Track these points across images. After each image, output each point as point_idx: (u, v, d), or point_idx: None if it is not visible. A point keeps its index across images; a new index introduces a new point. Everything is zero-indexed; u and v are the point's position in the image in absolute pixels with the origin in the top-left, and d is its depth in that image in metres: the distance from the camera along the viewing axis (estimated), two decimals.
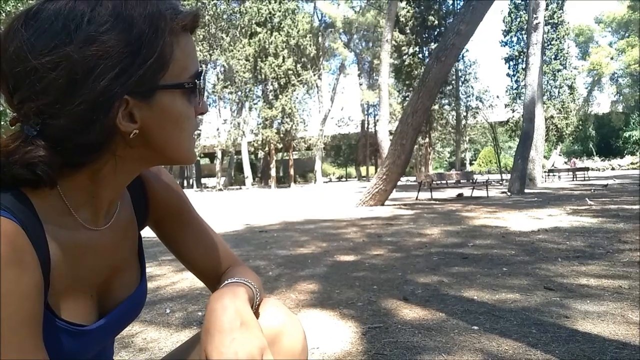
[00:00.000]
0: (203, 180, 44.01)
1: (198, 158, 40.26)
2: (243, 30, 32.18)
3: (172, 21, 0.61)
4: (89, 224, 0.65)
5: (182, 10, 0.64)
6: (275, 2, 30.99)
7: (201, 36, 30.73)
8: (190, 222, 0.87)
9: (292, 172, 36.33)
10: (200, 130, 35.44)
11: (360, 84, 45.17)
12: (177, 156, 0.67)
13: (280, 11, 31.14)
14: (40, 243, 0.57)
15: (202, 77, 0.68)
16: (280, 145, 33.16)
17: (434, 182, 14.44)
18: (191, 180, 37.15)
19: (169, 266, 4.46)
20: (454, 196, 13.87)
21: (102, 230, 0.68)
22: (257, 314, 0.77)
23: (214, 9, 30.81)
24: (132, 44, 0.57)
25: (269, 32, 30.82)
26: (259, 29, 30.81)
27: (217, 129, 34.81)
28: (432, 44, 30.31)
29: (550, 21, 32.54)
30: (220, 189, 32.32)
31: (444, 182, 15.31)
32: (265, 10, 30.70)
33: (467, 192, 14.94)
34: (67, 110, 0.55)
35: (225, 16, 32.52)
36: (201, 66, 0.70)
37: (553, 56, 34.07)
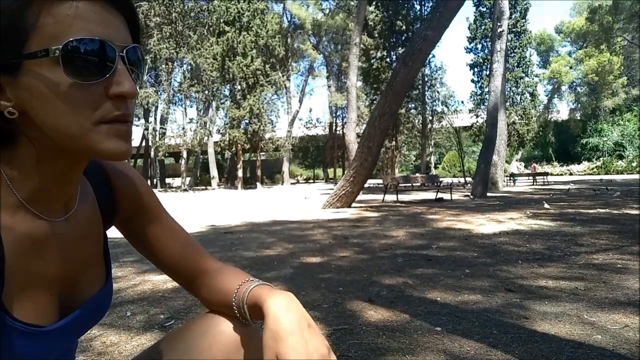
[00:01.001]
0: (168, 180, 43.25)
1: (162, 157, 39.50)
2: (211, 28, 31.75)
3: None
4: (44, 214, 0.62)
5: None
6: (244, 2, 30.70)
7: (168, 33, 30.18)
8: (160, 218, 0.84)
9: (259, 173, 36.10)
10: (164, 128, 34.80)
11: (329, 86, 45.31)
12: (64, 142, 0.57)
13: (249, 11, 30.88)
14: None
15: (75, 47, 0.54)
16: (247, 146, 32.85)
17: (399, 185, 14.62)
18: (155, 180, 36.37)
19: (131, 268, 4.35)
20: (433, 199, 14.02)
21: (60, 223, 0.65)
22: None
23: (181, 7, 30.31)
24: None
25: (237, 31, 30.53)
26: (227, 28, 30.47)
27: (183, 128, 34.22)
28: (400, 48, 30.70)
29: (514, 29, 33.47)
30: (186, 189, 31.79)
31: (409, 184, 15.52)
32: (234, 10, 30.39)
33: (431, 195, 15.19)
34: None
35: (192, 14, 32.04)
36: (102, 41, 0.55)
37: (516, 64, 35.05)
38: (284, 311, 0.68)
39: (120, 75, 0.57)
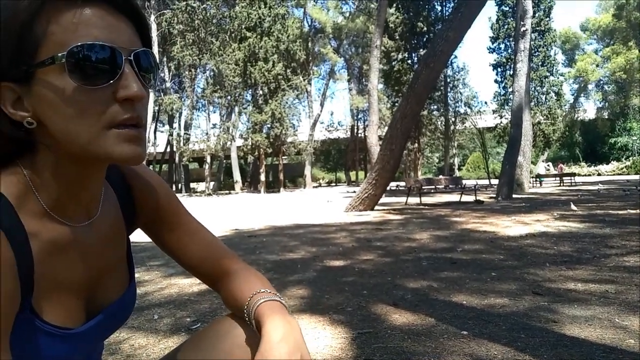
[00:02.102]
0: (192, 185, 43.77)
1: (187, 163, 40.01)
2: (233, 34, 32.07)
3: (36, 5, 0.54)
4: (69, 221, 0.64)
5: None
6: (265, 7, 30.93)
7: (191, 40, 30.62)
8: (182, 220, 0.85)
9: (281, 177, 36.25)
10: (188, 134, 35.26)
11: (350, 89, 45.28)
12: (76, 150, 0.58)
13: (270, 16, 31.09)
14: (22, 245, 0.56)
15: (78, 51, 0.54)
16: (269, 150, 33.04)
17: (423, 187, 14.50)
18: (180, 185, 36.88)
19: (157, 271, 4.42)
20: (472, 201, 13.77)
21: (84, 228, 0.66)
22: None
23: (203, 14, 30.71)
24: None
25: (258, 36, 30.76)
26: (248, 34, 30.73)
27: (207, 134, 34.63)
28: (421, 50, 30.50)
29: (538, 28, 32.90)
30: (209, 194, 32.12)
31: (432, 187, 15.38)
32: (255, 15, 30.64)
33: (455, 197, 15.02)
34: None
35: (214, 21, 32.44)
36: (105, 45, 0.56)
37: (540, 63, 34.44)
38: (278, 342, 0.67)
39: (127, 79, 0.57)
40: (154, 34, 31.04)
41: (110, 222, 0.73)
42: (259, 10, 30.73)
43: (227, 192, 36.52)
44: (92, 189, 0.67)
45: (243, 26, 30.82)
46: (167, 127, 37.34)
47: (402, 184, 21.26)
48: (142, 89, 0.58)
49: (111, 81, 0.56)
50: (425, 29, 31.14)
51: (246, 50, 30.77)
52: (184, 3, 29.85)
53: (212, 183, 36.30)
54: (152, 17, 31.10)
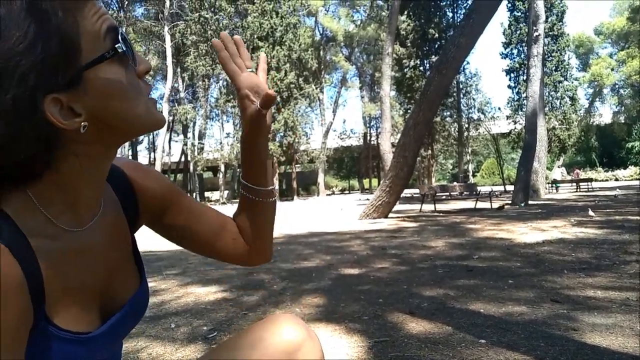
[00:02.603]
0: (206, 194, 44.05)
1: (201, 172, 40.31)
2: (245, 44, 32.36)
3: (67, 10, 0.54)
4: (72, 226, 0.63)
5: None
6: (277, 17, 31.22)
7: (204, 51, 30.98)
8: (184, 201, 0.86)
9: (294, 185, 36.36)
10: (203, 143, 35.58)
11: (362, 97, 45.42)
12: (136, 127, 0.63)
13: (282, 26, 31.35)
14: (28, 259, 0.56)
15: (121, 36, 0.60)
16: (283, 158, 33.20)
17: (437, 194, 14.42)
18: (194, 194, 37.21)
19: (174, 280, 4.45)
20: (491, 208, 13.62)
21: (87, 231, 0.66)
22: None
23: (216, 24, 31.09)
24: (18, 47, 0.50)
25: (271, 46, 31.03)
26: (261, 43, 31.02)
27: (220, 143, 34.92)
28: (433, 56, 30.45)
29: (551, 33, 32.66)
30: (224, 202, 32.29)
31: (447, 194, 15.28)
32: (267, 25, 30.92)
33: (470, 204, 14.91)
34: None
35: (227, 31, 32.76)
36: (117, 26, 0.60)
37: (554, 68, 34.14)
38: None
39: (139, 55, 0.64)
40: (168, 45, 31.48)
41: (111, 221, 0.73)
42: (270, 20, 31.02)
43: None
44: (98, 189, 0.67)
45: (255, 36, 31.11)
46: (181, 136, 37.73)
47: (416, 191, 21.15)
48: None
49: (134, 59, 0.63)
50: (436, 35, 31.11)
51: (258, 60, 31.00)
52: (197, 14, 30.30)
53: (226, 192, 36.49)
54: (166, 29, 31.55)
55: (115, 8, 32.90)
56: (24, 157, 0.54)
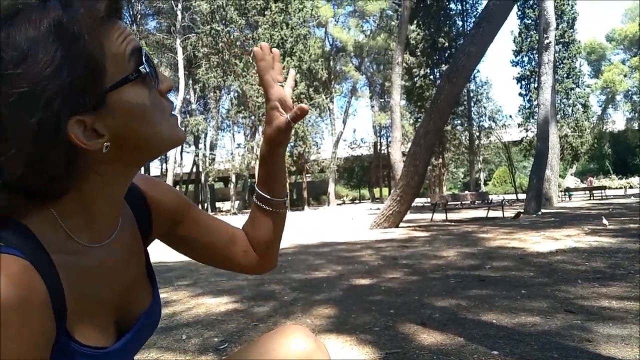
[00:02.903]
0: (217, 204, 44.21)
1: (212, 182, 40.54)
2: None
3: (85, 19, 0.54)
4: (91, 242, 0.64)
5: None
6: (287, 29, 31.46)
7: (215, 63, 31.27)
8: (197, 220, 0.87)
9: (305, 194, 36.39)
10: (214, 154, 35.79)
11: (372, 106, 45.39)
12: (159, 146, 0.64)
13: (292, 37, 31.58)
14: (51, 275, 0.56)
15: (145, 56, 0.61)
16: (293, 168, 33.29)
17: (448, 203, 14.34)
18: (206, 204, 37.37)
19: (185, 291, 4.47)
20: (510, 217, 13.43)
21: (106, 247, 0.67)
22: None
23: (227, 37, 31.40)
24: (45, 71, 0.51)
25: (281, 57, 31.27)
26: None
27: (231, 153, 35.12)
28: (443, 65, 30.43)
29: (561, 40, 32.52)
30: (235, 213, 32.39)
31: (458, 203, 15.19)
32: (278, 37, 31.16)
33: (482, 213, 14.79)
34: (10, 157, 0.52)
35: (238, 43, 33.12)
36: (140, 47, 0.61)
37: (565, 75, 33.95)
38: None
39: (161, 74, 0.65)
40: (180, 57, 31.85)
41: (128, 237, 0.74)
42: (281, 31, 31.26)
43: None
44: (117, 207, 0.68)
45: None
46: (193, 147, 38.00)
47: (427, 200, 21.06)
48: None
49: (157, 78, 0.64)
50: (446, 44, 31.12)
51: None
52: (209, 27, 30.61)
53: (237, 202, 36.61)
54: (178, 42, 31.94)
55: (128, 22, 33.40)
56: (47, 176, 0.55)
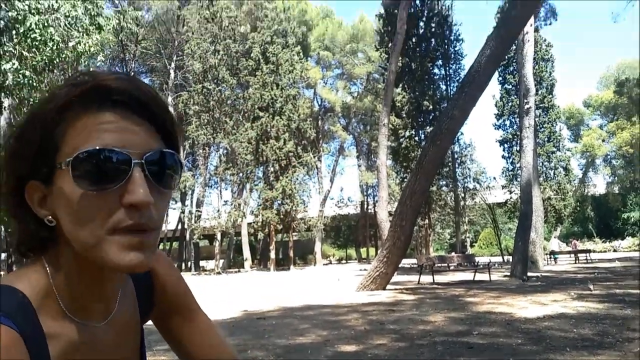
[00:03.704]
0: (202, 263, 43.38)
1: (197, 240, 39.94)
2: (246, 114, 33.36)
3: (57, 110, 0.58)
4: (86, 321, 0.63)
5: (81, 87, 0.58)
6: (277, 89, 32.33)
7: (205, 120, 31.75)
8: (196, 316, 0.84)
9: (291, 253, 35.94)
10: (200, 211, 35.52)
11: (359, 166, 46.01)
12: (85, 253, 0.57)
13: (282, 97, 32.39)
14: (40, 348, 0.56)
15: (86, 160, 0.55)
16: (280, 227, 33.10)
17: (435, 265, 14.26)
18: (189, 263, 36.65)
19: (164, 357, 4.30)
20: (498, 279, 13.45)
21: (101, 328, 0.65)
22: None
23: (218, 95, 32.11)
24: (17, 140, 0.60)
25: (271, 116, 31.90)
26: (261, 114, 31.91)
27: (218, 210, 34.92)
28: (428, 127, 31.15)
29: (541, 105, 33.70)
30: (219, 272, 31.74)
31: (445, 264, 15.12)
32: (268, 96, 31.95)
33: (469, 275, 14.69)
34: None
35: (229, 101, 33.85)
36: (97, 152, 0.55)
37: (546, 138, 34.95)
38: None
39: (134, 184, 0.55)
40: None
41: (127, 317, 0.72)
42: (271, 91, 32.11)
43: (237, 269, 36.14)
44: (111, 286, 0.66)
45: (256, 106, 32.07)
46: (179, 204, 37.76)
47: (414, 261, 20.94)
48: (148, 195, 0.56)
49: (116, 186, 0.55)
50: (431, 107, 32.02)
51: (258, 129, 31.84)
52: (200, 85, 31.37)
53: (221, 261, 35.99)
54: (170, 99, 32.55)
55: None
56: (29, 231, 0.61)
